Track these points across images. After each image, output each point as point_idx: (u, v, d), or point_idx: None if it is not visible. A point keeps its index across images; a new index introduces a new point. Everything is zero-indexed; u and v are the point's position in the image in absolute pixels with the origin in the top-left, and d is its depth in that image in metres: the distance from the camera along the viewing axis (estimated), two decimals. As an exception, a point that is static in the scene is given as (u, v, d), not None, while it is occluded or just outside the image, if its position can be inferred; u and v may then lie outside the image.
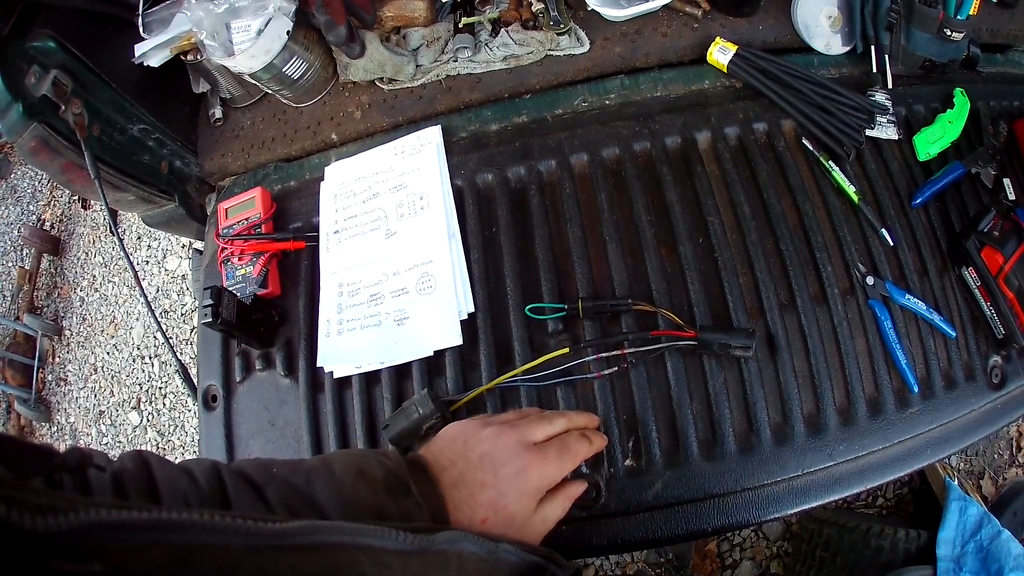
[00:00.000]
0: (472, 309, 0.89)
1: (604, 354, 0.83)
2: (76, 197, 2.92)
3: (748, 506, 0.82)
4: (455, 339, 0.87)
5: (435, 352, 0.88)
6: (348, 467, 0.51)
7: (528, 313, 0.87)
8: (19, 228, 3.16)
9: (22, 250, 3.13)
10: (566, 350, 0.83)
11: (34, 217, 3.16)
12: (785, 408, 0.84)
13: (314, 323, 0.96)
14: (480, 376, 0.86)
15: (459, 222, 0.94)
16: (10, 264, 3.18)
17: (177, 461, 0.52)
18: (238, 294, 0.96)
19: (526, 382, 0.84)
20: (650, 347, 0.83)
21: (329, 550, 0.35)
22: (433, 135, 0.99)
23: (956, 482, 1.37)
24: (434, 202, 0.94)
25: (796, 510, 0.83)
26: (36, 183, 3.23)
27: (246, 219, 1.04)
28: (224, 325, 0.90)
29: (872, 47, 1.01)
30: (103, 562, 0.25)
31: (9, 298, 3.09)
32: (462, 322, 0.88)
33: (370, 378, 0.91)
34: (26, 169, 3.30)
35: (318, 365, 0.93)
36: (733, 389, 0.84)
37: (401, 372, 0.90)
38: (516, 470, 0.55)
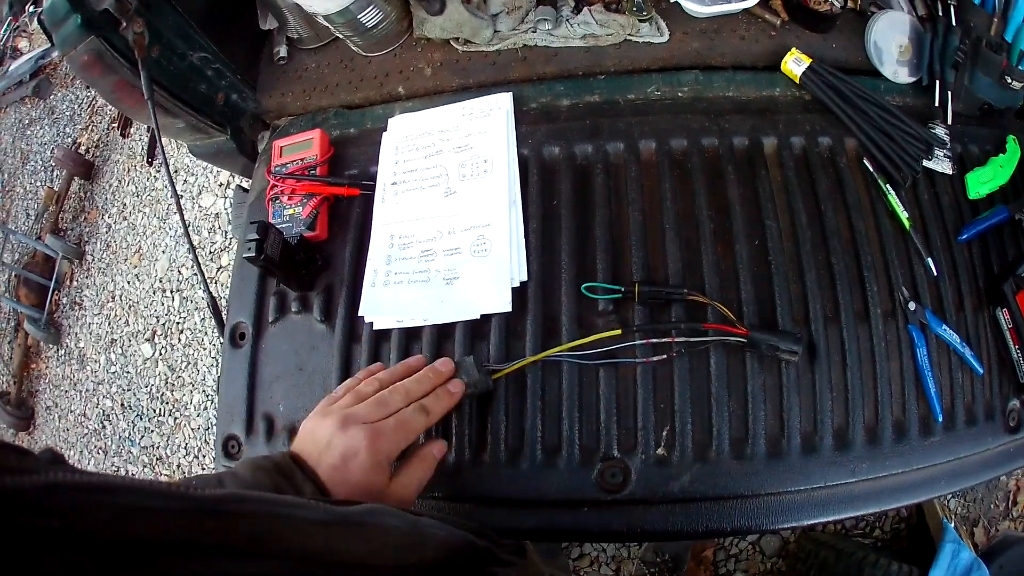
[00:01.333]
0: (525, 278, 0.83)
1: (654, 340, 0.78)
2: (115, 124, 2.81)
3: (768, 511, 0.78)
4: (504, 305, 0.81)
5: (482, 316, 0.82)
6: (245, 465, 0.59)
7: (583, 291, 0.81)
8: (53, 149, 3.05)
9: (53, 171, 3.02)
10: (618, 332, 0.78)
11: (69, 140, 3.04)
12: (817, 418, 0.79)
13: (358, 272, 0.90)
14: (524, 346, 0.81)
15: (521, 190, 0.88)
16: (39, 184, 3.07)
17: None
18: (284, 233, 0.90)
19: (571, 359, 0.79)
20: (700, 339, 0.78)
21: (254, 518, 0.36)
22: (504, 101, 0.93)
23: (952, 524, 1.35)
24: (498, 167, 0.88)
25: (813, 521, 0.80)
26: (75, 107, 3.12)
27: (301, 159, 0.97)
28: (266, 262, 0.83)
29: (937, 82, 0.97)
30: (61, 519, 0.27)
31: (33, 217, 2.99)
32: (513, 289, 0.82)
33: (410, 334, 0.85)
34: (66, 92, 3.19)
35: (359, 314, 0.86)
36: (770, 392, 0.79)
37: (443, 332, 0.84)
38: (353, 451, 0.61)
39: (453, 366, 0.76)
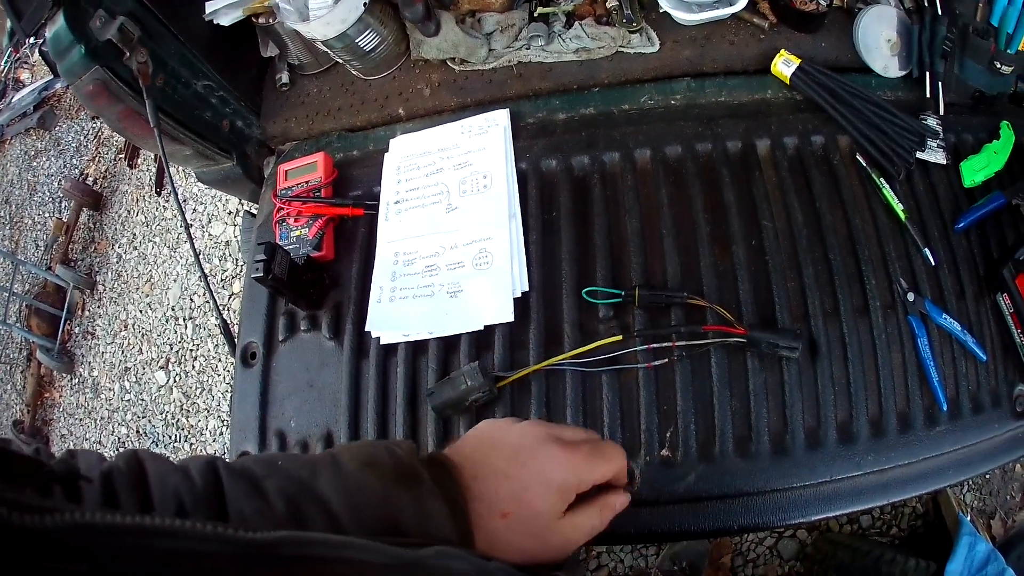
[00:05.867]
0: (526, 288, 0.87)
1: (655, 345, 0.82)
2: (122, 154, 2.88)
3: (775, 508, 0.80)
4: (507, 315, 0.85)
5: (485, 327, 0.86)
6: (355, 457, 0.48)
7: (584, 296, 0.85)
8: (60, 180, 3.14)
9: (61, 202, 3.10)
10: (619, 338, 0.82)
11: (76, 171, 3.13)
12: (820, 413, 0.82)
13: (365, 290, 0.94)
14: (528, 355, 0.85)
15: (520, 203, 0.92)
16: (47, 215, 3.15)
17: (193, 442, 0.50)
18: (291, 254, 0.94)
19: (574, 366, 0.82)
20: (700, 341, 0.81)
21: (312, 563, 0.33)
22: (501, 118, 0.98)
23: (969, 518, 1.35)
24: (497, 182, 0.93)
25: (820, 517, 0.82)
26: (81, 138, 3.20)
27: (306, 182, 1.02)
28: (274, 282, 0.88)
29: (927, 73, 1.00)
30: (89, 563, 0.25)
31: (43, 248, 3.07)
32: (515, 300, 0.86)
33: (417, 347, 0.89)
34: (71, 123, 3.28)
35: (366, 329, 0.91)
36: (772, 390, 0.83)
37: (449, 344, 0.88)
38: (543, 463, 0.50)
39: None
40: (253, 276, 0.87)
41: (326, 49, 1.03)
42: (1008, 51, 1.01)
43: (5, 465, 0.33)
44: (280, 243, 0.99)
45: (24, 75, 3.85)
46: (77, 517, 0.26)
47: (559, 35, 0.99)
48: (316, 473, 0.46)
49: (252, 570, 0.31)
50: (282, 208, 1.01)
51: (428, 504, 0.46)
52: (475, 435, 0.55)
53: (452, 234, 0.92)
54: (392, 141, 1.04)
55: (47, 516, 0.25)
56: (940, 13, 1.00)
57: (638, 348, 0.82)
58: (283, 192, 1.03)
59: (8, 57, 3.78)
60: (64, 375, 2.80)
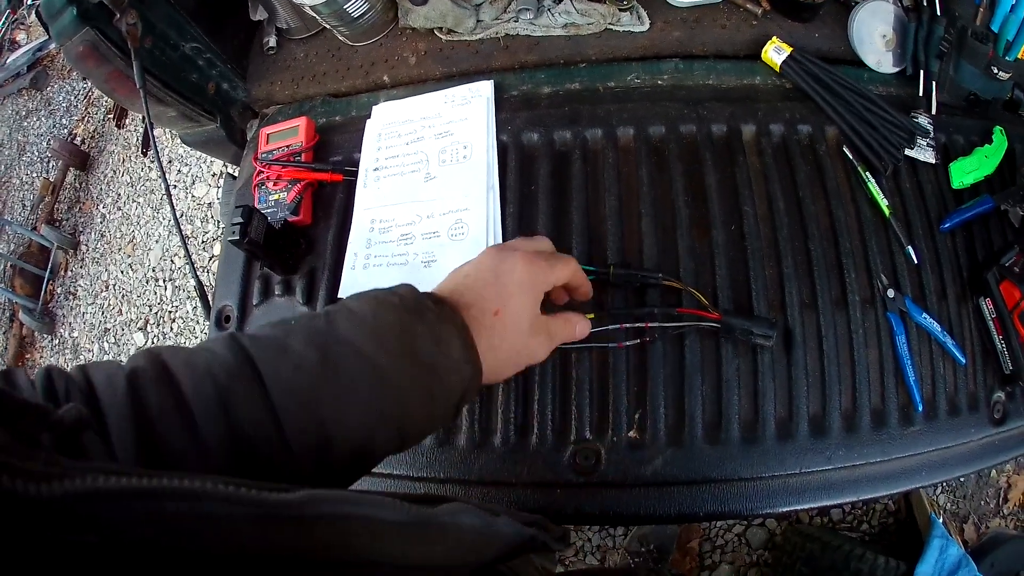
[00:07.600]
0: (501, 261, 0.86)
1: (627, 325, 0.81)
2: (111, 115, 2.87)
3: (742, 497, 0.80)
4: None
5: (458, 299, 0.85)
6: (364, 301, 0.53)
7: (558, 272, 0.84)
8: (49, 140, 3.12)
9: (49, 162, 3.09)
10: (591, 316, 0.80)
11: (65, 131, 3.11)
12: (792, 405, 0.81)
13: (340, 256, 0.93)
14: (499, 328, 0.84)
15: (499, 176, 0.91)
16: (35, 175, 3.14)
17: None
18: (268, 218, 0.93)
19: (545, 340, 0.81)
20: (674, 324, 0.80)
21: (332, 521, 0.33)
22: (485, 88, 0.97)
23: (941, 520, 1.36)
24: (477, 153, 0.91)
25: (787, 509, 0.81)
26: (72, 98, 3.18)
27: (287, 146, 1.01)
28: (250, 245, 0.87)
29: (921, 72, 0.99)
30: (97, 532, 0.24)
31: (29, 208, 3.05)
32: (489, 273, 0.85)
33: (389, 316, 0.88)
34: (63, 83, 3.26)
35: (339, 296, 0.90)
36: (745, 378, 0.82)
37: (421, 314, 0.87)
38: (512, 268, 0.60)
39: None
40: (229, 239, 0.86)
41: (314, 14, 1.02)
42: (1007, 58, 1.00)
43: (7, 414, 0.31)
44: (258, 207, 0.99)
45: (20, 36, 3.81)
46: (88, 483, 0.24)
47: (548, 9, 0.97)
48: (332, 321, 0.51)
49: (272, 532, 0.30)
50: (262, 171, 1.00)
51: (440, 328, 0.52)
52: (453, 270, 0.63)
53: (429, 203, 0.91)
54: (375, 108, 1.02)
55: (54, 483, 0.23)
56: (939, 13, 0.99)
57: (610, 327, 0.81)
58: (264, 155, 1.02)
59: (6, 18, 3.75)
60: (45, 336, 2.79)
